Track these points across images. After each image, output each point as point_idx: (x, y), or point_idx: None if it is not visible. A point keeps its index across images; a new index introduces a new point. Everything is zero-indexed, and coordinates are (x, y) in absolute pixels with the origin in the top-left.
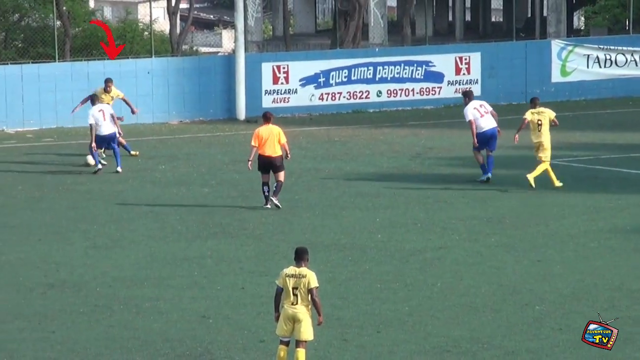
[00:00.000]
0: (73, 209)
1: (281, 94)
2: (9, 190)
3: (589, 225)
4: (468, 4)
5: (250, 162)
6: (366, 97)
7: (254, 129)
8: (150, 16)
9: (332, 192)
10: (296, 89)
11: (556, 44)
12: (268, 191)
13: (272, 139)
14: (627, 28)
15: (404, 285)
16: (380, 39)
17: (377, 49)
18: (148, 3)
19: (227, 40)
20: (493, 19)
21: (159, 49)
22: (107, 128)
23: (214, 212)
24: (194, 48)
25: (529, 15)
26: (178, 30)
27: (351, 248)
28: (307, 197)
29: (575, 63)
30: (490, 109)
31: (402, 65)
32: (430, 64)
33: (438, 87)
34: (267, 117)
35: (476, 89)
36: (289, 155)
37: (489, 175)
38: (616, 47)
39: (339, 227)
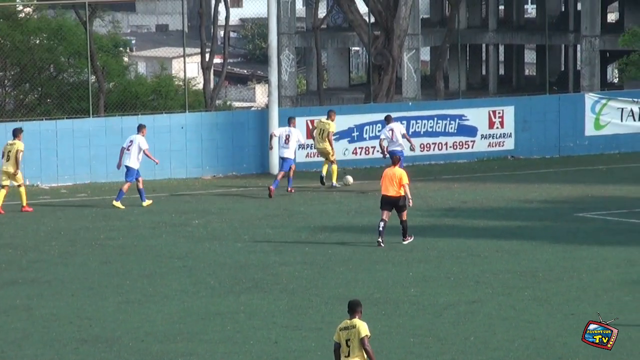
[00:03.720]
0: (106, 264)
1: (315, 148)
2: (42, 246)
3: (623, 278)
4: (501, 57)
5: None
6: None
7: (287, 183)
8: (185, 71)
9: (366, 246)
10: None
11: (590, 97)
12: (383, 227)
13: (393, 180)
14: None
15: (437, 339)
16: (413, 93)
17: (410, 103)
18: (182, 58)
19: (261, 94)
20: (526, 73)
21: (193, 104)
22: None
23: (247, 267)
24: (228, 103)
25: (563, 68)
26: (212, 85)
27: (384, 302)
28: (340, 251)
29: (609, 116)
30: None
31: (435, 119)
32: (463, 118)
33: (471, 141)
34: (394, 160)
35: (509, 143)
36: (410, 202)
37: None
38: None
39: (372, 281)
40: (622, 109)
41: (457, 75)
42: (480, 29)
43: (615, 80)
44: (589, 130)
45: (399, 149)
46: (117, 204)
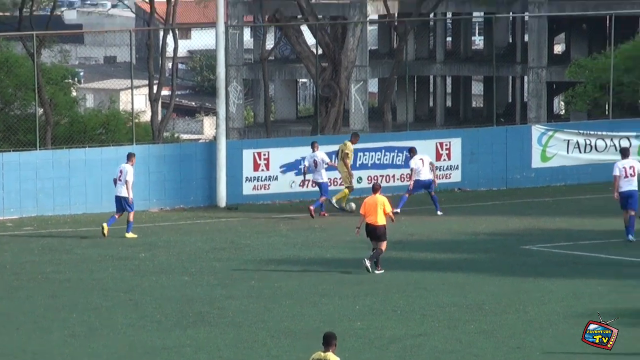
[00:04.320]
0: (52, 298)
1: (262, 180)
2: None
3: (569, 311)
4: (449, 89)
5: (357, 230)
6: None
7: (234, 216)
8: (132, 104)
9: (312, 280)
10: (277, 176)
11: (536, 129)
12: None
13: (376, 208)
14: (606, 113)
15: None
16: (361, 125)
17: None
18: (130, 90)
19: (209, 126)
20: (474, 105)
21: (141, 136)
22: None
23: (193, 300)
24: (176, 135)
25: (510, 100)
26: (159, 117)
27: None
28: (287, 285)
29: (556, 148)
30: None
31: (383, 151)
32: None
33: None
34: (374, 187)
35: (456, 175)
36: (393, 220)
37: (629, 237)
38: (596, 132)
39: (318, 315)
40: (569, 140)
41: (405, 107)
42: (428, 60)
43: (562, 112)
44: (536, 162)
45: (430, 177)
46: (130, 235)
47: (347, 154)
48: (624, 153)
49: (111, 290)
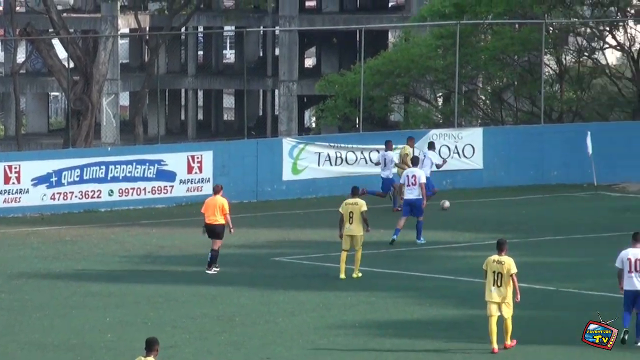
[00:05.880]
0: None
1: (12, 194)
2: None
3: (319, 322)
4: (200, 102)
5: (203, 229)
6: (98, 197)
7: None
8: None
9: (62, 292)
10: (28, 189)
11: (287, 142)
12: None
13: (214, 209)
14: (357, 126)
15: None
16: (112, 138)
17: (109, 148)
18: None
19: None
20: (225, 118)
21: None
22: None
23: None
24: None
25: (261, 113)
26: None
27: (81, 348)
28: (36, 297)
29: (307, 161)
30: (420, 181)
31: (134, 164)
32: (162, 163)
33: (170, 186)
34: (215, 189)
35: (208, 188)
36: (231, 229)
37: (394, 237)
38: (347, 145)
39: (68, 327)
40: (319, 153)
41: (157, 120)
42: (180, 74)
43: (313, 125)
44: (287, 174)
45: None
46: None
47: (407, 154)
48: (414, 162)
49: None
